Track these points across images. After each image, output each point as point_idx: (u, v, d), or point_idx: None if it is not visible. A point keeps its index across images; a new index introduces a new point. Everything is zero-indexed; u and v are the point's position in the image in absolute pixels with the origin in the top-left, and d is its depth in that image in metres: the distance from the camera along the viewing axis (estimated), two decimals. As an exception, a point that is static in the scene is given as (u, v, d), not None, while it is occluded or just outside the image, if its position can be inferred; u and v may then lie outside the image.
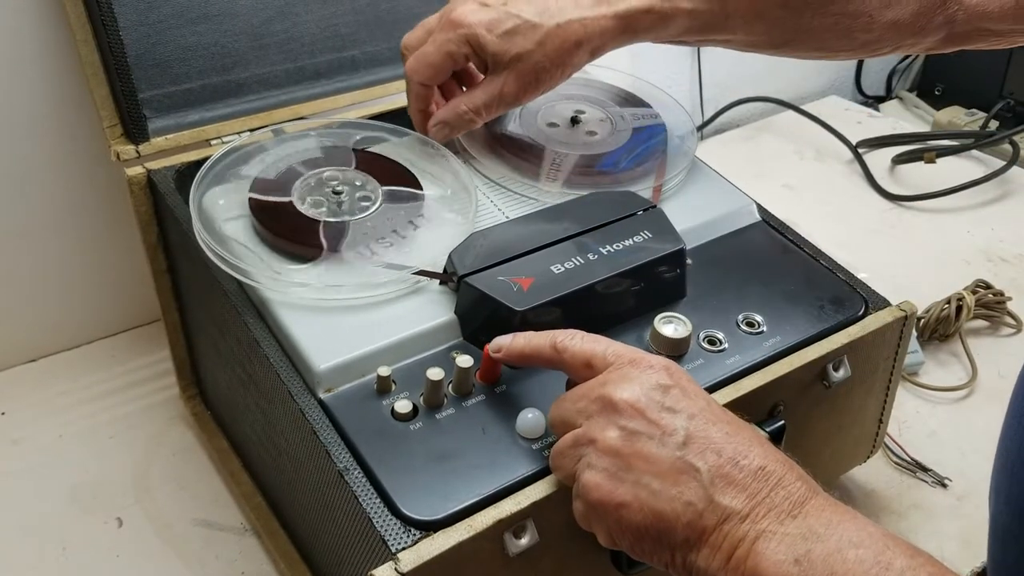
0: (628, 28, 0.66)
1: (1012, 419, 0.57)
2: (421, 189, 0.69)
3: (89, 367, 0.91)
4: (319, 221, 0.64)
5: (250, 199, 0.65)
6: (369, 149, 0.73)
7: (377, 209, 0.66)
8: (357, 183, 0.69)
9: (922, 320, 0.92)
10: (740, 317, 0.64)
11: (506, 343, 0.55)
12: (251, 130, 0.76)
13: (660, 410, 0.49)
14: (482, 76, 0.68)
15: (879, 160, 1.26)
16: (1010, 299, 0.96)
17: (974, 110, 1.37)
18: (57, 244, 0.88)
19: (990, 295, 0.95)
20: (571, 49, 0.65)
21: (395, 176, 0.70)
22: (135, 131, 0.73)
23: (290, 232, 0.63)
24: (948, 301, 0.92)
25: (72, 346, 0.93)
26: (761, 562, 0.44)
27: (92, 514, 0.76)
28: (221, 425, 0.81)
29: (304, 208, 0.65)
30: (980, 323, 0.96)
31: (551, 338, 0.54)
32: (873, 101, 1.56)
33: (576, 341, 0.53)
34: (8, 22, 0.76)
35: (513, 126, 0.76)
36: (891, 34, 0.65)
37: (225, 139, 0.75)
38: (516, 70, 0.65)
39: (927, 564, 0.42)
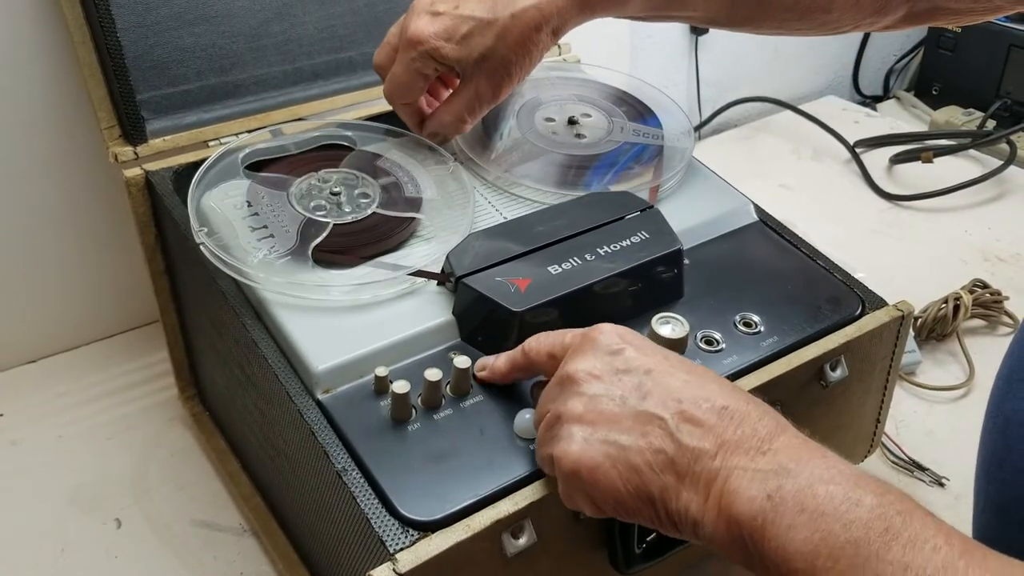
0: (586, 5, 0.66)
1: (988, 420, 0.57)
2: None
3: (88, 368, 0.91)
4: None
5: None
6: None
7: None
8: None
9: (919, 320, 0.92)
10: (737, 317, 0.64)
11: (489, 362, 0.57)
12: (249, 131, 0.76)
13: (615, 372, 0.50)
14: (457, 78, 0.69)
15: (876, 160, 1.26)
16: (1007, 298, 0.97)
17: (971, 110, 1.37)
18: (55, 245, 0.88)
19: (987, 294, 0.95)
20: (531, 34, 0.65)
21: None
22: (133, 132, 0.73)
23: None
24: (945, 301, 0.93)
25: (71, 347, 0.93)
26: (735, 500, 0.44)
27: (91, 515, 0.76)
28: (219, 426, 0.81)
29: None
30: (977, 322, 0.96)
31: (521, 347, 0.55)
32: (870, 101, 1.56)
33: (540, 339, 0.55)
34: (6, 24, 0.76)
35: (511, 121, 0.76)
36: (851, 13, 0.65)
37: (223, 140, 0.76)
38: (484, 70, 0.66)
39: (896, 501, 0.42)
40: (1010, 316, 0.96)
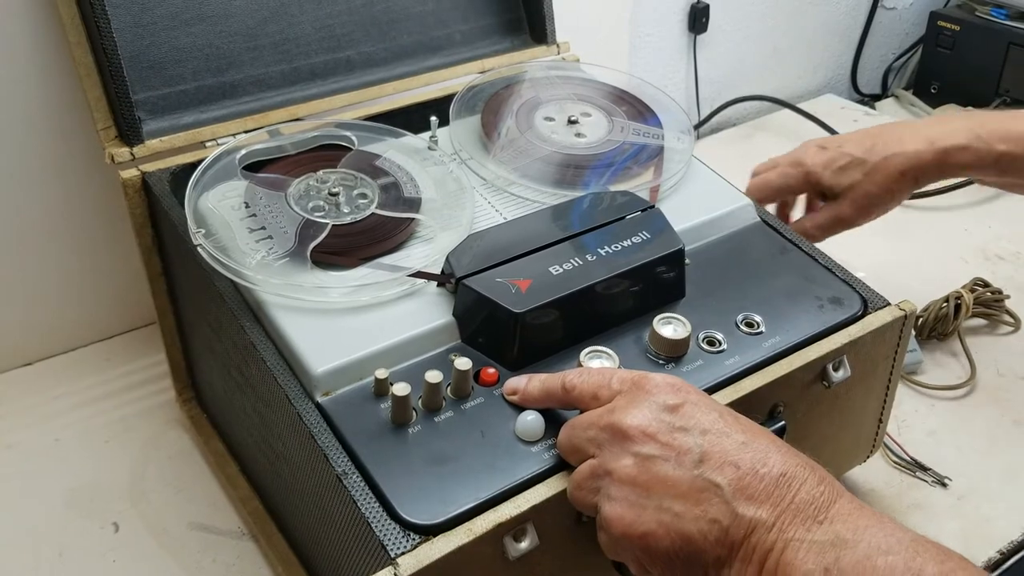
0: (946, 163, 0.79)
1: None
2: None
3: (84, 371, 0.91)
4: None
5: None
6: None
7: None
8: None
9: (920, 319, 0.92)
10: (739, 317, 0.64)
11: (521, 386, 0.56)
12: (246, 131, 0.76)
13: (671, 431, 0.48)
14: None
15: (876, 158, 1.25)
16: (1008, 297, 0.96)
17: (970, 108, 1.37)
18: (52, 247, 0.87)
19: (988, 293, 0.95)
20: (896, 177, 0.79)
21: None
22: (129, 133, 0.73)
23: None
24: (946, 300, 0.92)
25: (67, 349, 0.93)
26: (791, 573, 0.43)
27: (88, 518, 0.75)
28: (217, 428, 0.81)
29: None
30: (978, 322, 0.96)
31: (561, 379, 0.54)
32: (869, 99, 1.56)
33: (584, 377, 0.53)
34: (1, 24, 0.76)
35: (510, 121, 0.76)
36: None
37: (220, 141, 0.75)
38: (849, 198, 0.80)
39: (958, 569, 0.42)
40: (1011, 315, 0.96)
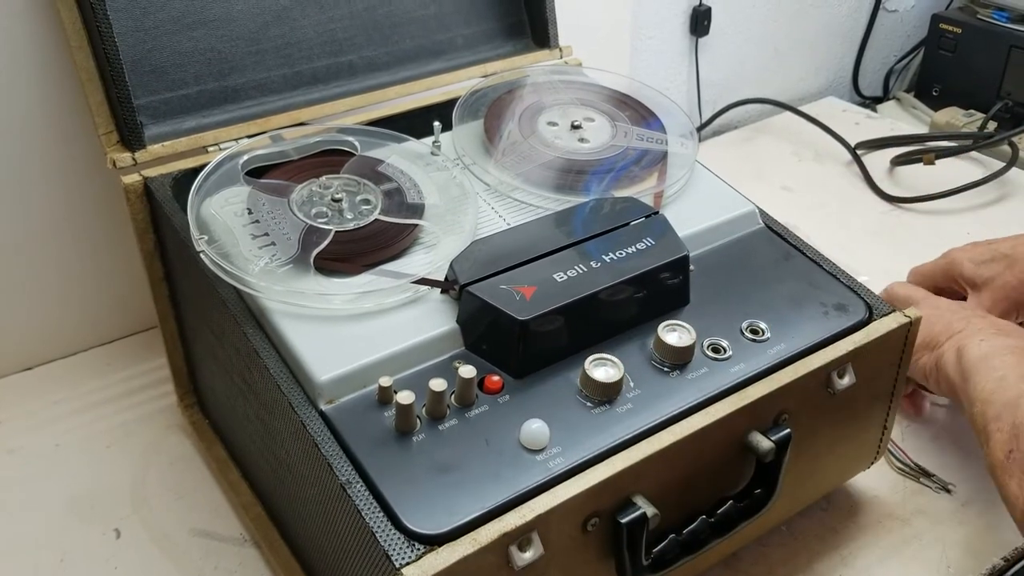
0: None
1: None
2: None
3: (86, 375, 0.90)
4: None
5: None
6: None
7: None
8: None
9: None
10: (744, 324, 0.63)
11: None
12: (248, 136, 0.76)
13: None
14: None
15: (878, 162, 1.25)
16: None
17: (972, 111, 1.37)
18: (53, 252, 0.87)
19: None
20: None
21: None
22: (131, 138, 0.73)
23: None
24: None
25: (68, 354, 0.93)
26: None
27: (90, 524, 0.75)
28: (219, 434, 0.80)
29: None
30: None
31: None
32: (871, 102, 1.56)
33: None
34: (2, 28, 0.76)
35: (513, 126, 0.75)
36: None
37: (223, 146, 0.75)
38: (989, 288, 0.81)
39: None
40: (1014, 319, 0.95)
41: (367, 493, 0.52)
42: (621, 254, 0.63)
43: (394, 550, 0.49)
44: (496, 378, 0.58)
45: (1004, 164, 1.20)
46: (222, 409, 0.76)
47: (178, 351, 0.80)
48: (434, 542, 0.49)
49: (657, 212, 0.67)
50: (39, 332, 0.90)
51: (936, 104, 1.43)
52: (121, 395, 0.88)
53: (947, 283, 0.85)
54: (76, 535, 0.74)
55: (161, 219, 0.71)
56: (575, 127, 0.77)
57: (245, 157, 0.70)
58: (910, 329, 0.66)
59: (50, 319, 0.90)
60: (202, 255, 0.62)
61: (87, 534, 0.74)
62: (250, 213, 0.66)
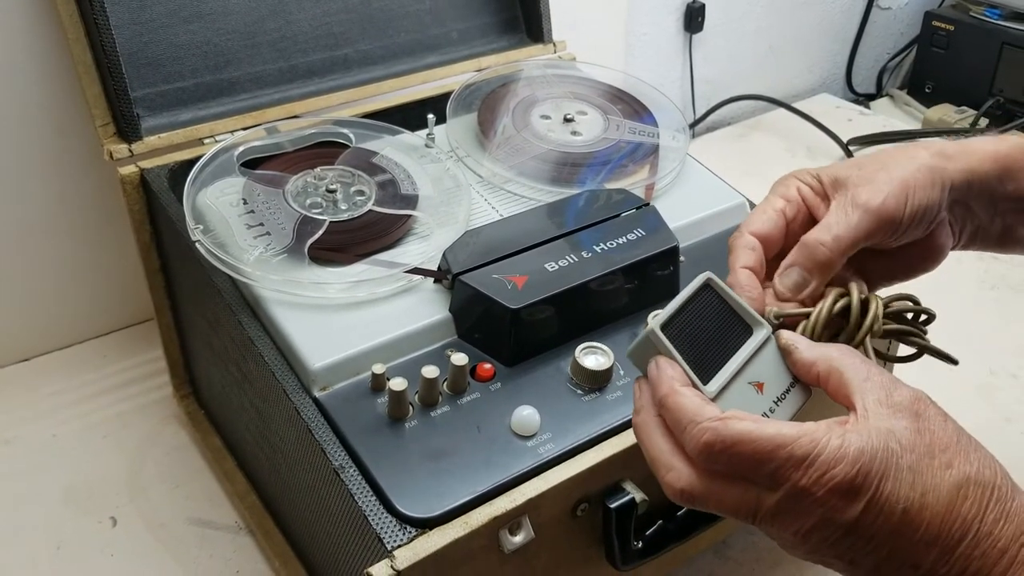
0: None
1: None
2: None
3: (82, 366, 0.91)
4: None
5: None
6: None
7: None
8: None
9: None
10: (733, 314, 0.64)
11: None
12: (244, 128, 0.76)
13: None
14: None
15: (870, 157, 1.26)
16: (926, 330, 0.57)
17: (964, 108, 1.38)
18: (50, 243, 0.87)
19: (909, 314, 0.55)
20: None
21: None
22: (128, 130, 0.73)
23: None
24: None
25: (65, 345, 0.93)
26: None
27: (86, 514, 0.76)
28: (215, 424, 0.81)
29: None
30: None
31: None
32: (864, 99, 1.57)
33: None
34: (0, 22, 0.76)
35: (506, 119, 0.76)
36: None
37: (218, 138, 0.75)
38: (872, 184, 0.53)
39: None
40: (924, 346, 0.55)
41: (360, 478, 0.52)
42: (612, 244, 0.64)
43: (386, 533, 0.50)
44: (488, 366, 0.59)
45: (995, 160, 1.21)
46: (218, 399, 0.77)
47: (174, 342, 0.81)
48: (426, 525, 0.50)
49: (648, 204, 0.68)
50: (36, 324, 0.91)
51: (929, 101, 1.44)
52: (117, 386, 0.89)
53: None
54: (73, 524, 0.75)
55: (157, 210, 0.72)
56: (568, 120, 0.78)
57: (241, 149, 0.71)
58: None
59: (47, 311, 0.90)
60: (198, 245, 0.63)
61: (84, 523, 0.75)
62: (245, 204, 0.66)
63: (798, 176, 0.56)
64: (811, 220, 0.54)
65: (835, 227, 0.51)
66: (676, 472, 0.45)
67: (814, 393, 0.50)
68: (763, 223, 0.54)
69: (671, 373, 0.46)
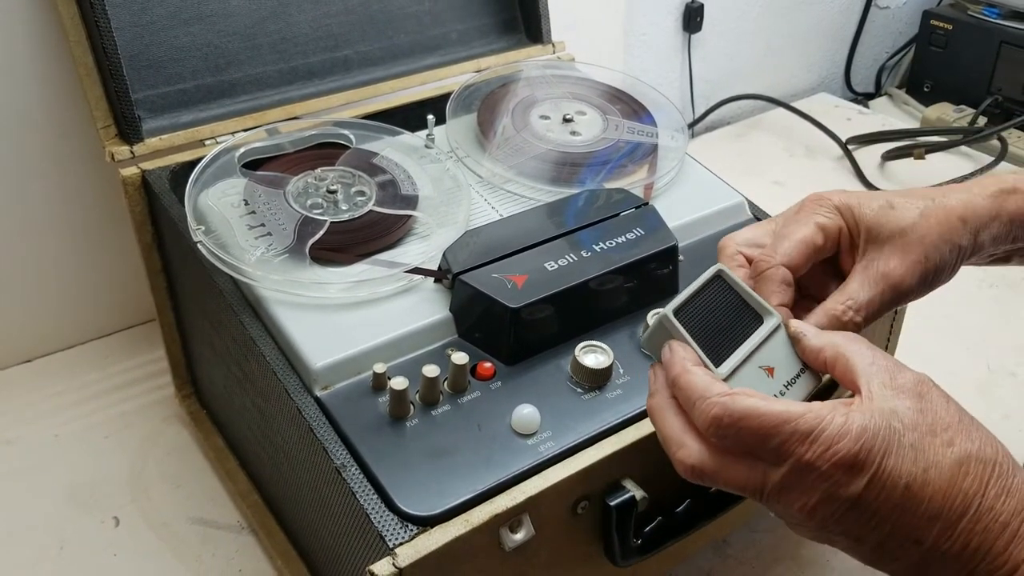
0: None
1: None
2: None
3: (84, 367, 0.91)
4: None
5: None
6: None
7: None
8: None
9: None
10: (732, 313, 0.64)
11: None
12: (245, 130, 0.77)
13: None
14: None
15: (869, 157, 1.27)
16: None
17: (963, 106, 1.38)
18: (52, 245, 0.88)
19: None
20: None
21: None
22: (129, 132, 0.74)
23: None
24: None
25: (67, 346, 0.93)
26: None
27: (89, 514, 0.76)
28: (217, 424, 0.81)
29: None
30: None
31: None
32: (862, 98, 1.57)
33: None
34: (2, 24, 0.77)
35: (506, 119, 0.77)
36: None
37: (219, 139, 0.76)
38: (904, 242, 0.54)
39: None
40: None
41: (362, 476, 0.53)
42: (611, 244, 0.64)
43: (388, 531, 0.50)
44: (488, 365, 0.59)
45: (993, 158, 1.21)
46: (219, 399, 0.78)
47: (176, 342, 0.81)
48: (427, 523, 0.50)
49: (647, 203, 0.68)
50: (38, 325, 0.91)
51: (927, 100, 1.45)
52: (119, 387, 0.89)
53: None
54: (75, 523, 0.75)
55: (159, 211, 0.72)
56: (567, 120, 0.78)
57: (242, 150, 0.71)
58: (896, 315, 0.67)
59: (49, 312, 0.91)
60: (199, 245, 0.63)
61: (86, 522, 0.75)
62: (246, 204, 0.67)
63: (838, 207, 0.55)
64: (836, 252, 0.55)
65: (859, 297, 0.52)
66: (687, 449, 0.46)
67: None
68: (799, 255, 0.53)
69: (683, 354, 0.48)
